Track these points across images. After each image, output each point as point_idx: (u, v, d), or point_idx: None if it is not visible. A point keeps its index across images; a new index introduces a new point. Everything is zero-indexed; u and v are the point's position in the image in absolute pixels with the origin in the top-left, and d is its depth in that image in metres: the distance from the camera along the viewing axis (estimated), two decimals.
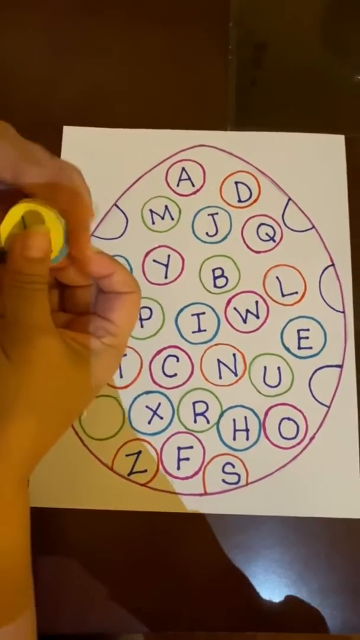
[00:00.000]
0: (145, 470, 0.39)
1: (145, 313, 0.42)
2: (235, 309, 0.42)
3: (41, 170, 0.29)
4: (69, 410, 0.28)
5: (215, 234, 0.44)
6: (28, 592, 0.29)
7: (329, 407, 0.40)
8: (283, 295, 0.43)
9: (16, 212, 0.28)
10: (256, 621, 0.37)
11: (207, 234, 0.44)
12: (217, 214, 0.44)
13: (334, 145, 0.46)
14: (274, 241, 0.44)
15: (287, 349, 0.42)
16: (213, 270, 0.43)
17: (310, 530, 0.38)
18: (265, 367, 0.41)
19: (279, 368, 0.41)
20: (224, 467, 0.39)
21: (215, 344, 0.42)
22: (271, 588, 0.38)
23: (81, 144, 0.46)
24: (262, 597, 0.38)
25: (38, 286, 0.27)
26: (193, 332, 0.42)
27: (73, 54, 0.49)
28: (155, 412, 0.40)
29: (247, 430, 0.40)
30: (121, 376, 0.41)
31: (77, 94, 0.47)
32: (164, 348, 0.42)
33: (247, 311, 0.42)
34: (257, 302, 0.43)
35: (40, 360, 0.25)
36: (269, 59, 0.50)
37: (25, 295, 0.26)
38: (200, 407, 0.40)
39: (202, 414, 0.40)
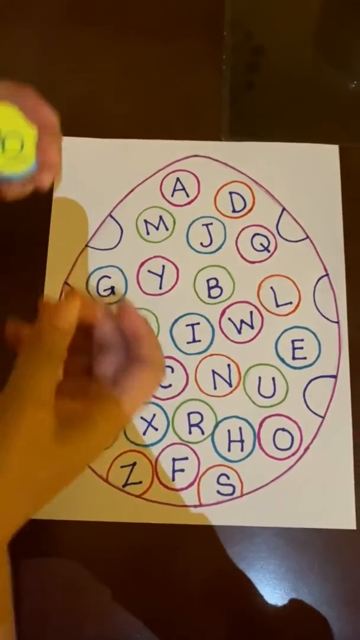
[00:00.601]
0: (140, 482, 0.39)
1: None
2: (229, 319, 0.42)
3: (9, 83, 0.32)
4: (49, 485, 0.27)
5: (210, 244, 0.44)
6: (6, 606, 0.29)
7: (323, 417, 0.40)
8: (277, 306, 0.43)
9: None
10: (251, 632, 0.37)
11: (201, 244, 0.44)
12: (211, 224, 0.45)
13: (328, 155, 0.46)
14: (268, 251, 0.44)
15: (282, 360, 0.42)
16: (207, 281, 0.43)
17: (304, 541, 0.38)
18: (259, 378, 0.41)
19: (273, 379, 0.41)
20: (218, 478, 0.39)
21: (210, 355, 0.42)
22: (265, 599, 0.38)
23: (75, 154, 0.46)
24: (257, 608, 0.38)
25: (54, 355, 0.27)
26: (188, 343, 0.42)
27: (66, 65, 0.49)
28: (150, 424, 0.40)
29: (242, 441, 0.40)
30: None
31: (71, 105, 0.47)
32: None
33: (242, 321, 0.42)
34: (251, 313, 0.43)
35: (24, 433, 0.25)
36: (263, 70, 0.50)
37: (37, 361, 0.27)
38: (195, 418, 0.40)
39: (197, 424, 0.40)
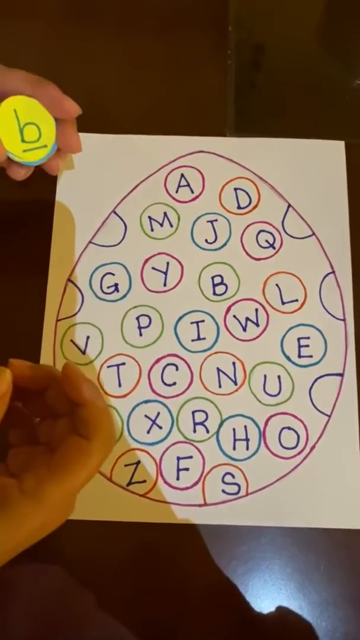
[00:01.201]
0: (145, 481, 0.39)
1: (144, 321, 0.42)
2: (234, 316, 0.42)
3: (26, 75, 0.34)
4: None
5: (215, 240, 0.44)
6: None
7: (329, 416, 0.40)
8: (283, 303, 0.42)
9: (8, 106, 0.32)
10: (256, 633, 0.37)
11: (206, 240, 0.44)
12: (216, 220, 0.44)
13: (334, 151, 0.46)
14: (274, 248, 0.43)
15: (288, 358, 0.41)
16: (212, 278, 0.43)
17: (310, 541, 0.38)
18: (265, 376, 0.41)
19: (279, 377, 0.41)
20: (223, 477, 0.39)
21: (215, 352, 0.41)
22: (271, 600, 0.37)
23: None
24: (262, 609, 0.37)
25: None
26: (192, 341, 0.42)
27: (70, 60, 0.48)
28: (154, 422, 0.40)
29: (247, 439, 0.39)
30: (120, 385, 0.41)
31: (75, 101, 0.47)
32: (163, 357, 0.41)
33: (247, 319, 0.42)
34: (257, 310, 0.42)
35: None
36: (268, 64, 0.49)
37: None
38: (199, 417, 0.40)
39: (201, 423, 0.40)
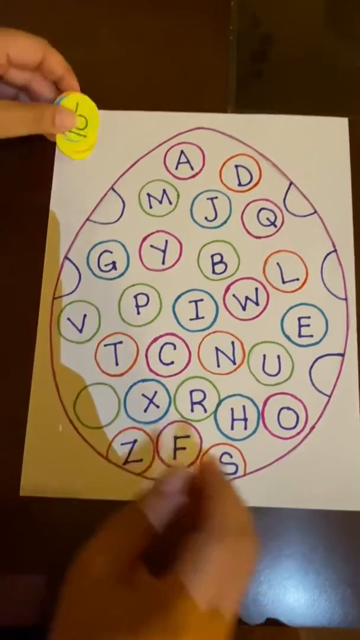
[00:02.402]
0: (141, 460, 0.38)
1: (142, 299, 0.41)
2: (234, 295, 0.41)
3: (35, 38, 0.40)
4: None
5: (215, 218, 0.43)
6: None
7: (329, 396, 0.39)
8: (284, 282, 0.41)
9: (71, 100, 0.42)
10: (254, 614, 0.37)
11: (206, 218, 0.43)
12: (216, 198, 0.43)
13: (337, 128, 0.45)
14: (275, 226, 0.43)
15: (288, 337, 0.40)
16: (212, 256, 0.42)
17: (309, 522, 0.37)
18: (264, 356, 0.40)
19: (278, 356, 0.40)
20: (221, 457, 0.38)
21: (214, 332, 0.41)
22: (269, 581, 0.37)
23: None
24: (260, 590, 0.37)
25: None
26: (191, 320, 0.41)
27: (70, 37, 0.47)
28: (151, 401, 0.39)
29: (245, 419, 0.39)
30: (117, 364, 0.40)
31: (76, 75, 0.46)
32: (161, 335, 0.41)
33: (247, 298, 0.41)
34: (256, 289, 0.41)
35: None
36: (270, 40, 0.48)
37: None
38: (197, 396, 0.39)
39: (199, 402, 0.39)
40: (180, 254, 0.42)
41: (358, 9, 0.50)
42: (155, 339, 0.40)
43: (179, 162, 0.44)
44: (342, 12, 0.50)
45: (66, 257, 0.42)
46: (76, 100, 0.42)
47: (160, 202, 0.43)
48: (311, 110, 0.45)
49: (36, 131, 0.41)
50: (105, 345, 0.40)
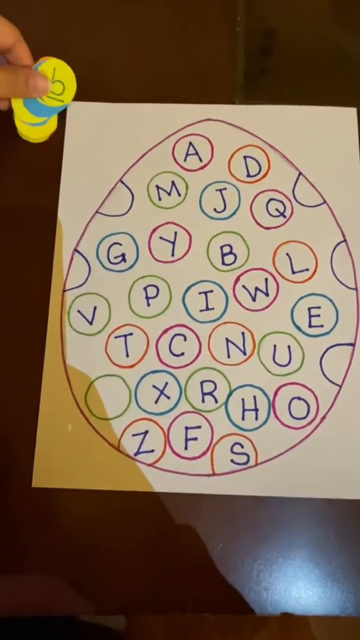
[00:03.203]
0: (152, 450, 0.38)
1: (151, 291, 0.41)
2: (244, 286, 0.41)
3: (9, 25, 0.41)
4: None
5: (224, 209, 0.43)
6: None
7: (340, 386, 0.39)
8: (293, 273, 0.41)
9: (49, 66, 0.42)
10: (267, 603, 0.37)
11: (215, 210, 0.43)
12: (225, 189, 0.43)
13: (345, 118, 0.44)
14: (284, 217, 0.43)
15: (298, 328, 0.40)
16: (221, 247, 0.42)
17: (320, 511, 0.37)
18: (275, 346, 0.40)
19: (289, 347, 0.40)
20: (232, 447, 0.38)
21: (224, 323, 0.41)
22: (281, 570, 0.37)
23: (86, 119, 0.45)
24: (272, 579, 0.37)
25: None
26: (201, 311, 0.41)
27: (76, 28, 0.47)
28: (162, 392, 0.39)
29: (256, 410, 0.39)
30: (127, 355, 0.40)
31: (81, 69, 0.46)
32: (171, 327, 0.41)
33: (257, 289, 0.41)
34: (266, 280, 0.41)
35: None
36: (278, 31, 0.48)
37: None
38: (208, 387, 0.39)
39: (210, 393, 0.39)
40: (190, 246, 0.42)
41: None
42: (166, 330, 0.41)
43: (187, 154, 0.44)
44: (349, 2, 0.50)
45: (76, 250, 0.42)
46: (53, 66, 0.42)
47: (169, 193, 0.43)
48: (319, 100, 0.45)
49: (10, 95, 0.41)
50: (115, 337, 0.40)
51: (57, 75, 0.42)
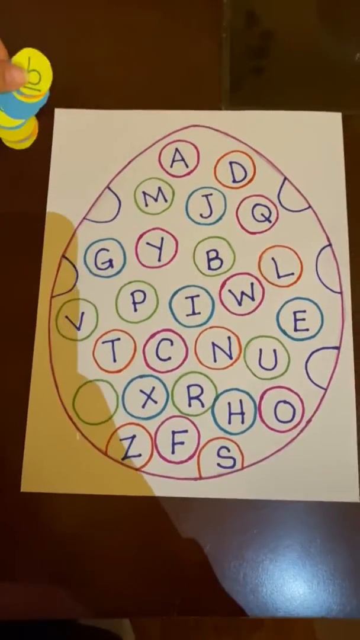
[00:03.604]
0: (140, 455, 0.39)
1: (138, 296, 0.42)
2: (230, 291, 0.42)
3: None
4: None
5: (210, 215, 0.43)
6: None
7: (325, 389, 0.40)
8: (279, 277, 0.42)
9: (23, 56, 0.40)
10: (254, 605, 0.37)
11: (201, 215, 0.43)
12: (211, 194, 0.44)
13: (330, 122, 0.45)
14: (270, 222, 0.43)
15: (283, 331, 0.41)
16: (207, 252, 0.43)
17: (306, 514, 0.38)
18: (260, 350, 0.40)
19: (274, 350, 0.40)
20: (219, 451, 0.39)
21: (210, 327, 0.41)
22: (268, 573, 0.37)
23: (73, 126, 0.45)
24: (259, 581, 0.37)
25: None
26: (187, 315, 0.41)
27: (62, 33, 0.48)
28: (149, 396, 0.40)
29: (242, 413, 0.39)
30: (115, 360, 0.40)
31: (67, 76, 0.46)
32: (158, 332, 0.41)
33: (242, 293, 0.42)
34: (252, 284, 0.42)
35: None
36: (263, 37, 0.48)
37: None
38: (194, 391, 0.40)
39: (196, 397, 0.40)
40: (176, 251, 0.43)
41: (350, 4, 0.50)
42: (153, 335, 0.41)
43: (173, 160, 0.44)
44: (335, 8, 0.50)
45: (63, 256, 0.43)
46: (28, 55, 0.42)
47: (156, 199, 0.44)
48: (304, 105, 0.45)
49: None
50: (103, 343, 0.41)
51: (33, 64, 0.42)
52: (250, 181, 0.44)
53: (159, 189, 0.44)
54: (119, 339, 0.41)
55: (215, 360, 0.40)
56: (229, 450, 0.39)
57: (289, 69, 0.47)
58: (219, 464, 0.38)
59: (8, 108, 0.41)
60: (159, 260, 0.42)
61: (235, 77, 0.47)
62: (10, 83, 0.40)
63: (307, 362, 0.40)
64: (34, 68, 0.41)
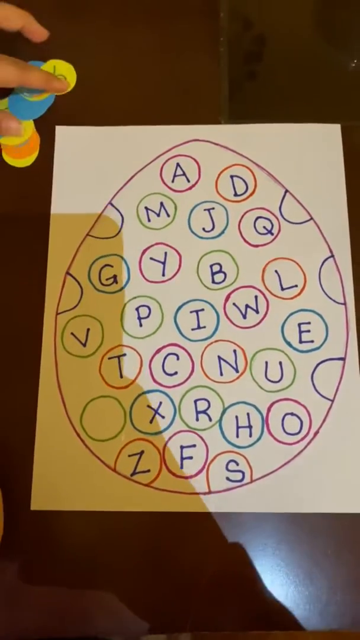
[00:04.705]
0: (149, 470, 0.39)
1: (143, 312, 0.42)
2: (234, 304, 0.42)
3: (13, 61, 0.43)
4: None
5: (212, 229, 0.44)
6: None
7: (332, 400, 0.40)
8: (282, 289, 0.42)
9: (49, 65, 0.47)
10: (266, 620, 0.37)
11: (203, 229, 0.44)
12: (213, 208, 0.44)
13: (330, 134, 0.45)
14: (272, 234, 0.43)
15: (289, 343, 0.41)
16: (211, 266, 0.43)
17: (317, 526, 0.38)
18: (266, 362, 0.41)
19: (280, 363, 0.41)
20: (227, 464, 0.39)
21: (215, 341, 0.41)
22: (279, 586, 0.37)
23: (74, 143, 0.46)
24: (270, 595, 0.37)
25: None
26: (192, 330, 0.41)
27: (61, 51, 0.48)
28: (156, 412, 0.40)
29: (250, 426, 0.39)
30: (121, 376, 0.41)
31: (68, 94, 0.47)
32: (164, 346, 0.41)
33: (247, 306, 0.42)
34: (256, 297, 0.42)
35: None
36: (261, 50, 0.49)
37: None
38: (202, 405, 0.40)
39: (204, 411, 0.40)
40: (180, 265, 0.43)
41: (346, 12, 0.51)
42: (158, 350, 0.41)
43: (175, 175, 0.45)
44: (331, 18, 0.51)
45: (68, 273, 0.43)
46: (53, 65, 0.47)
47: (158, 215, 0.44)
48: (303, 117, 0.46)
49: None
50: (109, 358, 0.41)
51: (58, 71, 0.47)
52: (251, 194, 0.44)
53: (161, 204, 0.44)
54: (124, 355, 0.41)
55: (221, 374, 0.40)
56: (237, 464, 0.39)
57: (288, 82, 0.48)
58: (227, 478, 0.39)
59: (16, 108, 0.46)
60: (163, 275, 0.43)
61: (234, 91, 0.47)
62: (5, 131, 0.44)
63: (313, 373, 0.40)
64: (60, 73, 0.47)
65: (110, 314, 0.42)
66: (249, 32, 0.49)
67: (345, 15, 0.51)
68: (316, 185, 0.44)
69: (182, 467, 0.39)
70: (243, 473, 0.39)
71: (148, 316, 0.42)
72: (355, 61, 0.48)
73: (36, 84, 0.44)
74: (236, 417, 0.40)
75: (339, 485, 0.38)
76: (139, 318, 0.42)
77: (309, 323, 0.41)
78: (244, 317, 0.42)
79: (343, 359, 0.40)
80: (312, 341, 0.41)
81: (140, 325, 0.42)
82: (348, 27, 0.51)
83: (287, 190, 0.44)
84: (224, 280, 0.42)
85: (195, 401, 0.40)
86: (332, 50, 0.49)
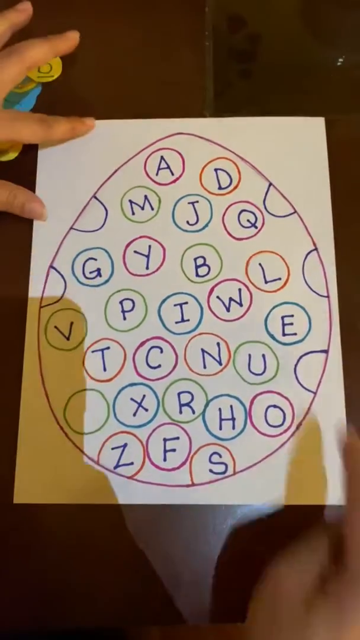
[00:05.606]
0: (132, 463, 0.39)
1: (127, 305, 0.42)
2: (218, 297, 0.42)
3: (37, 118, 0.44)
4: None
5: (196, 222, 0.44)
6: None
7: (315, 393, 0.40)
8: (266, 282, 0.42)
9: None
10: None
11: (187, 222, 0.44)
12: (197, 202, 0.44)
13: (314, 127, 0.45)
14: (256, 227, 0.43)
15: (272, 336, 0.41)
16: (195, 259, 0.43)
17: (300, 518, 0.38)
18: (249, 355, 0.41)
19: (263, 355, 0.41)
20: (210, 457, 0.39)
21: (199, 334, 0.41)
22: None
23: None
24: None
25: None
26: (176, 323, 0.41)
27: None
28: (140, 404, 0.40)
29: (233, 419, 0.39)
30: (105, 369, 0.41)
31: (50, 87, 0.47)
32: (148, 339, 0.41)
33: (230, 299, 0.42)
34: (240, 290, 0.42)
35: None
36: (246, 44, 0.49)
37: None
38: (185, 398, 0.40)
39: (187, 404, 0.40)
40: (164, 259, 0.43)
41: (333, 7, 0.51)
42: (142, 343, 0.41)
43: (159, 168, 0.45)
44: (318, 12, 0.51)
45: (51, 266, 0.43)
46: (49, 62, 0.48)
47: (142, 208, 0.44)
48: (288, 111, 0.46)
49: (5, 209, 0.43)
50: (92, 352, 0.41)
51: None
52: (235, 187, 0.44)
53: (145, 197, 0.44)
54: (108, 348, 0.41)
55: (205, 367, 0.40)
56: (220, 456, 0.39)
57: (273, 76, 0.48)
58: (211, 470, 0.39)
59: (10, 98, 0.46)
60: (147, 268, 0.43)
61: (219, 84, 0.47)
62: (28, 214, 0.43)
63: (296, 366, 0.40)
64: (47, 63, 0.47)
65: (93, 307, 0.42)
66: (235, 26, 0.49)
67: (334, 11, 0.51)
68: (300, 178, 0.44)
69: (165, 459, 0.39)
70: (226, 465, 0.39)
71: (132, 309, 0.42)
72: (342, 57, 0.48)
73: (62, 138, 0.44)
74: (219, 409, 0.40)
75: (321, 478, 0.38)
76: (123, 311, 0.42)
77: (292, 316, 0.41)
78: (228, 310, 0.42)
79: (326, 351, 0.41)
80: (295, 334, 0.41)
81: (124, 318, 0.42)
82: (336, 23, 0.51)
83: (271, 184, 0.44)
84: (207, 274, 0.42)
85: (179, 394, 0.40)
86: (320, 46, 0.49)
